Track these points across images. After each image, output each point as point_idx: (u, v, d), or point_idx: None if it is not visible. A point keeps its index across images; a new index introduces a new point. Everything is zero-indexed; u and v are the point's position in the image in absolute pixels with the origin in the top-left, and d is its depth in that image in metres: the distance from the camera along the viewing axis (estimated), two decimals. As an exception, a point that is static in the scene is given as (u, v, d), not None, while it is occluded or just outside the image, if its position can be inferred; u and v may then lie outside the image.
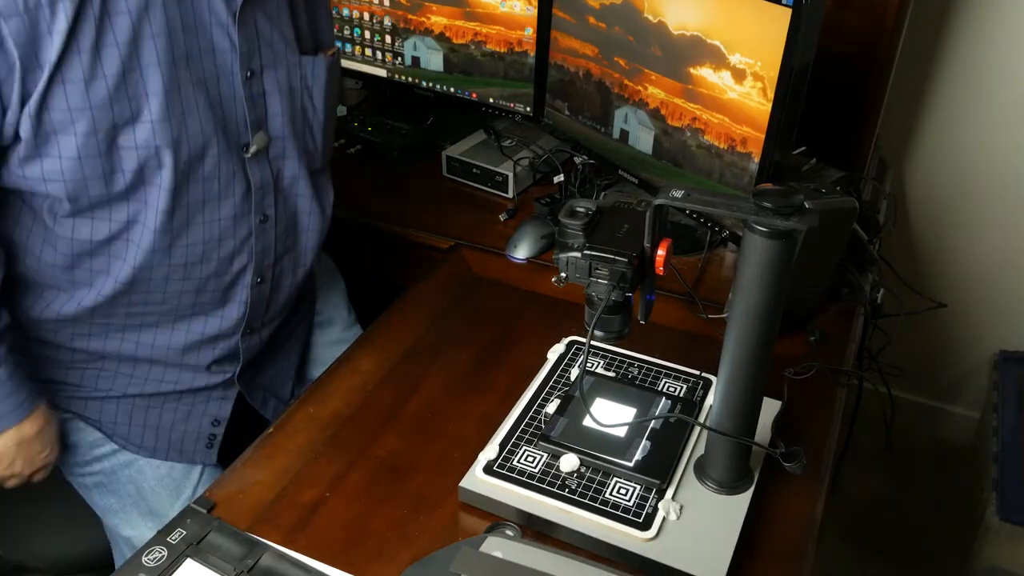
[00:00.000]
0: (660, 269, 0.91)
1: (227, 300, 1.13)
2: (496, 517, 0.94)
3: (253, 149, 1.05)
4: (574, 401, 1.03)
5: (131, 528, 1.20)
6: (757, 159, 1.21)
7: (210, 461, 1.22)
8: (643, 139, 1.41)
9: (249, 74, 1.02)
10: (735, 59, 1.19)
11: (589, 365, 1.11)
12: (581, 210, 0.92)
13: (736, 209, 0.82)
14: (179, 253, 1.04)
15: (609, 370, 1.11)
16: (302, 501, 0.97)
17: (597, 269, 0.90)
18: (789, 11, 1.09)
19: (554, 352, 1.14)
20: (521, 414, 1.03)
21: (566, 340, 1.16)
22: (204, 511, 0.93)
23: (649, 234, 0.89)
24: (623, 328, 0.94)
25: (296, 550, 0.90)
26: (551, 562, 0.80)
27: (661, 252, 0.90)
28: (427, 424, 1.05)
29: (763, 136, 1.19)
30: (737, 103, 1.21)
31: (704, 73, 1.25)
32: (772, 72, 1.14)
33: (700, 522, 0.91)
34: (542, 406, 1.04)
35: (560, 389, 1.07)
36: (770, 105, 1.16)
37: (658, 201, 0.86)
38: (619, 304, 0.93)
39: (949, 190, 2.01)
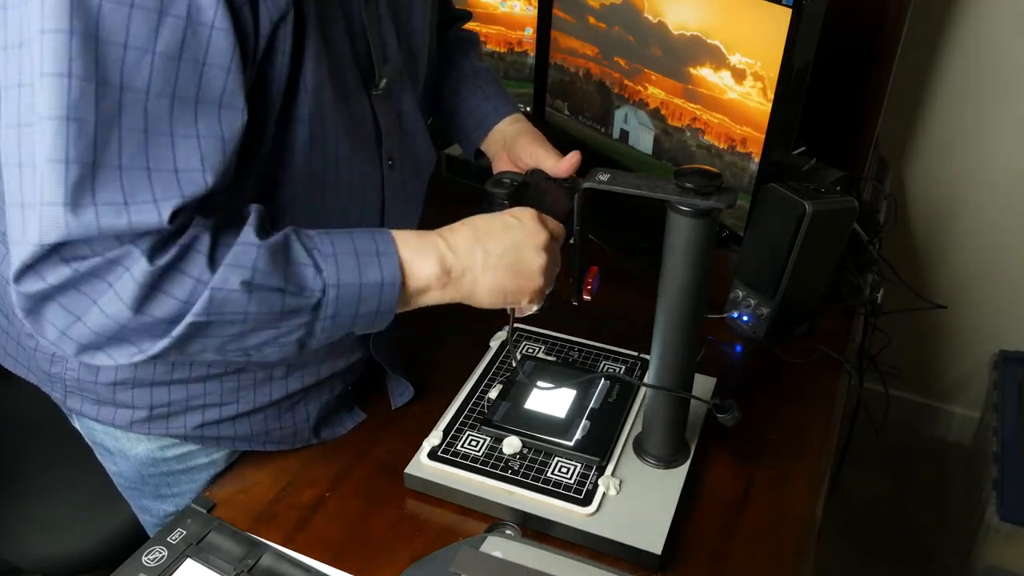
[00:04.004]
0: (587, 297, 0.94)
1: None
2: (443, 502, 0.95)
3: (383, 83, 0.89)
4: (516, 386, 1.05)
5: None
6: (757, 159, 1.21)
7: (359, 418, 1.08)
8: (643, 139, 1.41)
9: None
10: (735, 59, 1.19)
11: (531, 351, 1.14)
12: (507, 181, 0.93)
13: (659, 190, 0.83)
14: (320, 204, 0.87)
15: (550, 354, 1.13)
16: (302, 501, 0.96)
17: None
18: (789, 11, 1.09)
19: (496, 340, 1.16)
20: (464, 400, 1.05)
21: (507, 327, 1.17)
22: (204, 511, 0.93)
23: (577, 218, 0.90)
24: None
25: (296, 550, 0.90)
26: (551, 562, 0.80)
27: (589, 281, 0.93)
28: (427, 423, 1.05)
29: (763, 136, 1.19)
30: (737, 103, 1.22)
31: (704, 73, 1.25)
32: (772, 72, 1.14)
33: (639, 496, 0.93)
34: (485, 392, 1.06)
35: (502, 375, 1.09)
36: (770, 105, 1.16)
37: (585, 184, 0.87)
38: None
39: (949, 190, 2.01)
